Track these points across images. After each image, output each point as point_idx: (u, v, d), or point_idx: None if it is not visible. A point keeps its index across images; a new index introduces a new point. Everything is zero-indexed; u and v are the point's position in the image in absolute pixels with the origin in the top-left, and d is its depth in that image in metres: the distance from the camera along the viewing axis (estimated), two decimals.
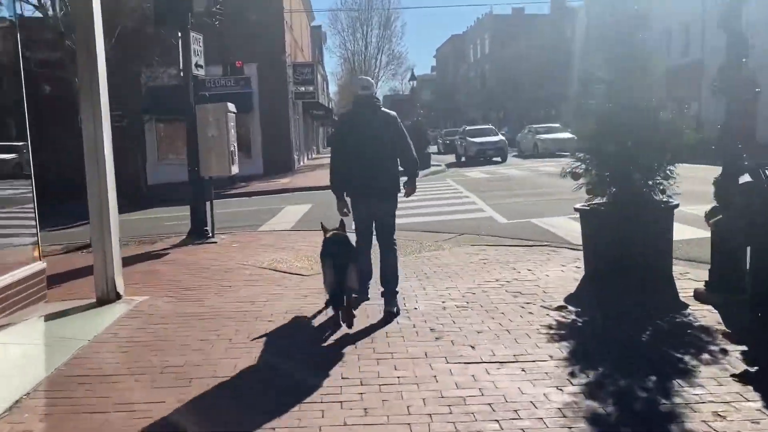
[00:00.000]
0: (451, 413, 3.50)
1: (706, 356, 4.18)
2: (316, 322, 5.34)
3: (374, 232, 5.83)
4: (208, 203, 10.39)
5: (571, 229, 9.95)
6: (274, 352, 4.61)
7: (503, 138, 30.96)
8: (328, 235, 5.54)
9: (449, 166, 28.24)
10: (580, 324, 5.04)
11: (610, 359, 4.18)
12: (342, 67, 68.16)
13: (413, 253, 8.38)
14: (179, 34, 10.32)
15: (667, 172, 6.33)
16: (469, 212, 12.72)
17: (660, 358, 4.20)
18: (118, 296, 6.05)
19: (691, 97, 28.90)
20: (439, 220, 11.75)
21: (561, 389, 3.76)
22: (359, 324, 5.13)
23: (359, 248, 5.71)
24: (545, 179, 19.12)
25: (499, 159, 29.25)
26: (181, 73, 10.52)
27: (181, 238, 10.40)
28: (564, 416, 3.43)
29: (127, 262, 8.41)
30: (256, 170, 25.39)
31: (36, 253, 6.18)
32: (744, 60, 5.49)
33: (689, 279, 6.24)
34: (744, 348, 4.29)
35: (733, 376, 3.84)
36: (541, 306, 5.50)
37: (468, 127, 33.92)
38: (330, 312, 5.47)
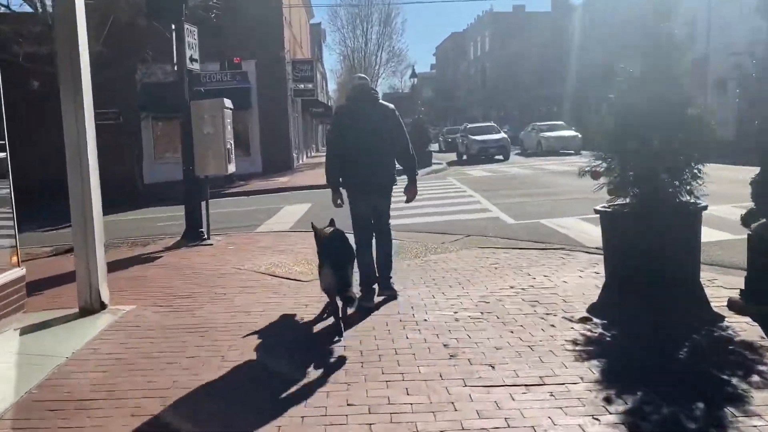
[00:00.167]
0: None
1: (755, 378, 3.72)
2: (316, 337, 4.87)
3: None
4: (203, 203, 9.93)
5: (582, 230, 9.52)
6: (270, 373, 4.14)
7: (505, 136, 30.48)
8: (326, 233, 5.35)
9: (450, 164, 27.79)
10: (608, 339, 4.58)
11: (649, 381, 3.72)
12: (341, 64, 67.71)
13: (419, 256, 7.92)
14: (173, 27, 9.85)
15: (695, 171, 5.88)
16: (474, 212, 12.26)
17: (704, 380, 3.74)
18: (103, 306, 5.58)
19: (696, 93, 28.44)
20: (443, 220, 11.30)
21: (597, 419, 3.30)
22: (364, 335, 4.68)
23: (359, 246, 5.60)
24: (551, 178, 18.67)
25: (501, 157, 28.80)
26: (175, 68, 10.06)
27: (175, 239, 9.94)
28: None
29: (116, 266, 8.01)
30: (254, 168, 24.98)
31: (14, 259, 5.71)
32: None
33: (719, 286, 5.80)
34: None
35: None
36: (563, 317, 5.05)
37: (470, 125, 33.40)
38: (330, 321, 5.05)
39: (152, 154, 25.10)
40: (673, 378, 3.78)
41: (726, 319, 4.86)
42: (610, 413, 3.35)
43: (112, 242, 10.12)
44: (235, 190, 19.41)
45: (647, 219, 5.81)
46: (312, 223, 5.79)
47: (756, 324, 4.67)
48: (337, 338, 4.68)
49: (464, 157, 30.58)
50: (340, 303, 4.89)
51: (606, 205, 6.30)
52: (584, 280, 6.29)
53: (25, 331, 5.16)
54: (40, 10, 13.97)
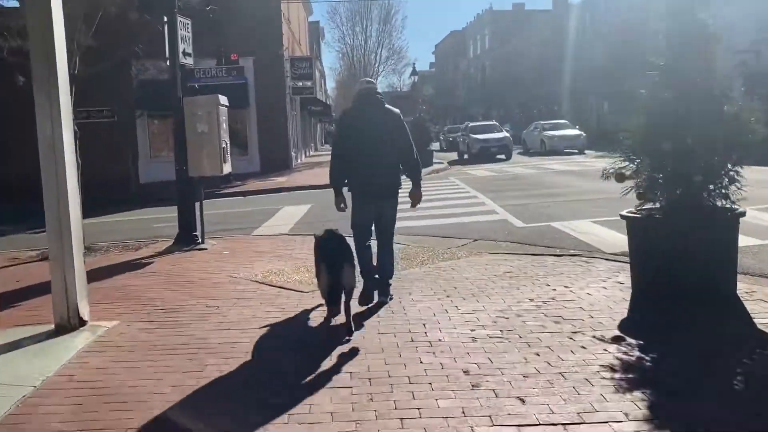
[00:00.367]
0: None
1: None
2: (318, 360, 4.31)
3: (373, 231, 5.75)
4: (198, 205, 9.40)
5: (596, 234, 9.02)
6: (265, 408, 3.59)
7: (508, 135, 29.93)
8: (321, 235, 5.32)
9: (452, 163, 27.28)
10: (648, 363, 4.06)
11: (709, 420, 3.20)
12: (341, 62, 67.19)
13: (426, 263, 7.41)
14: (165, 19, 9.32)
15: (732, 174, 5.38)
16: (480, 214, 11.75)
17: None
18: (82, 322, 5.02)
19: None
20: (448, 223, 10.79)
21: None
22: (373, 359, 4.16)
23: (358, 248, 5.57)
24: (556, 178, 18.18)
25: (503, 157, 28.26)
26: (167, 62, 9.55)
27: (168, 243, 9.42)
28: None
29: (102, 273, 7.49)
30: (252, 168, 24.46)
31: None
32: None
33: (758, 300, 5.29)
34: None
35: None
36: (593, 336, 4.53)
37: (471, 124, 32.84)
38: (334, 342, 4.56)
39: (148, 153, 24.54)
40: (737, 417, 3.25)
41: None
42: None
43: (102, 246, 9.61)
44: (232, 190, 18.88)
45: (680, 225, 5.32)
46: (314, 235, 5.51)
47: None
48: (340, 364, 4.16)
49: (465, 156, 30.03)
50: (342, 306, 4.87)
51: (633, 210, 5.80)
52: (609, 291, 5.78)
53: None
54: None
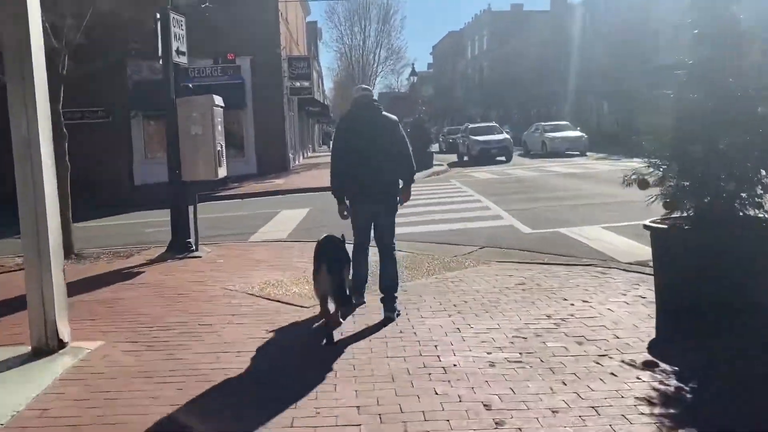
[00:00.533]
0: None
1: None
2: (320, 389, 3.90)
3: (372, 237, 5.76)
4: (192, 210, 8.97)
5: (610, 242, 8.63)
6: None
7: (508, 136, 29.51)
8: (319, 239, 5.41)
9: (452, 165, 26.90)
10: (689, 395, 3.64)
11: None
12: (339, 62, 66.75)
13: (432, 273, 7.01)
14: (157, 16, 8.90)
15: (766, 181, 4.97)
16: (485, 219, 11.36)
17: None
18: (62, 344, 4.58)
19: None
20: (452, 228, 10.38)
21: None
22: (381, 389, 3.75)
23: (356, 252, 5.67)
24: (559, 181, 17.79)
25: (503, 158, 27.83)
26: (160, 62, 9.12)
27: (161, 250, 9.00)
28: None
29: (89, 285, 7.07)
30: (249, 169, 23.99)
31: None
32: None
33: None
34: None
35: None
36: (622, 361, 4.12)
37: (471, 125, 32.39)
38: (336, 366, 4.14)
39: (143, 154, 24.04)
40: None
41: None
42: None
43: (91, 253, 9.18)
44: (229, 192, 18.42)
45: (711, 236, 4.91)
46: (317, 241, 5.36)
47: None
48: (343, 393, 3.75)
49: (465, 158, 29.60)
50: (332, 307, 5.00)
51: (658, 219, 5.39)
52: (632, 307, 5.38)
53: None
54: None
